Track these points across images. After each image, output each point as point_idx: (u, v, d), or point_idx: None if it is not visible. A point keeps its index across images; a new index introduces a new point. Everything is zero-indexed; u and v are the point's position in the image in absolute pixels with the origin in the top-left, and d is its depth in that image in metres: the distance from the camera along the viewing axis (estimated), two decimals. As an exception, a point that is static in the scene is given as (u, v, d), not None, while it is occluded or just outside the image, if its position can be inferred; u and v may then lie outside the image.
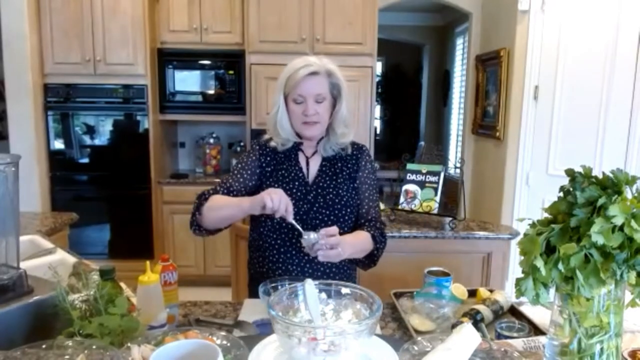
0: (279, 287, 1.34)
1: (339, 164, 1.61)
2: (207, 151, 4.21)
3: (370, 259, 1.59)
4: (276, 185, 1.54)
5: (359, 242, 1.52)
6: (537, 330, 1.26)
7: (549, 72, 3.32)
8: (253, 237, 1.63)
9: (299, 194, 1.54)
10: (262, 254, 1.58)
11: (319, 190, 1.55)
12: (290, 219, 1.36)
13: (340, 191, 1.56)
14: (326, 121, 1.56)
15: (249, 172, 1.57)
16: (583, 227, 0.84)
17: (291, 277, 1.41)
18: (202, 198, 1.52)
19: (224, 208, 1.48)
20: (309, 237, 1.37)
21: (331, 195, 1.55)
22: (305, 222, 1.51)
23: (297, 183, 1.56)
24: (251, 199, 1.40)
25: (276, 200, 1.32)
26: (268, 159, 1.59)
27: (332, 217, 1.54)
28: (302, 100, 1.50)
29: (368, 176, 1.64)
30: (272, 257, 1.55)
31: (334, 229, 1.39)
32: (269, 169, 1.58)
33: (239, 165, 1.59)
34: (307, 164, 1.60)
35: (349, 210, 1.57)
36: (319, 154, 1.61)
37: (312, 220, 1.52)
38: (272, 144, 1.60)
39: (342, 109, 1.56)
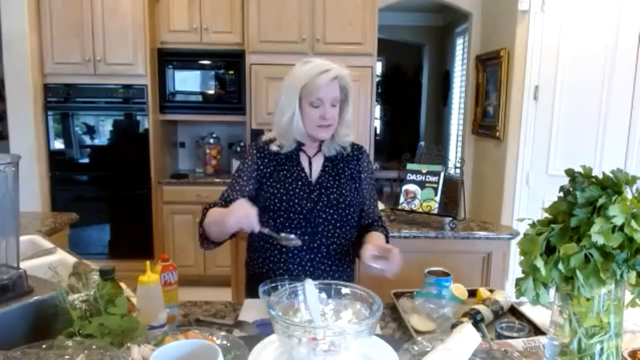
0: (279, 287, 1.35)
1: (341, 164, 1.63)
2: (207, 151, 4.21)
3: None
4: (277, 186, 1.54)
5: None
6: (537, 330, 1.26)
7: (549, 72, 3.32)
8: (253, 237, 1.63)
9: (302, 193, 1.55)
10: (262, 254, 1.59)
11: (322, 190, 1.56)
12: (257, 229, 1.33)
13: (343, 191, 1.58)
14: (337, 123, 1.57)
15: (244, 178, 1.58)
16: (583, 227, 0.84)
17: (291, 277, 1.41)
18: (204, 212, 1.53)
19: (215, 224, 1.45)
20: (285, 237, 1.42)
21: (335, 195, 1.56)
22: (309, 220, 1.53)
23: (300, 183, 1.56)
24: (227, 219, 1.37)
25: (235, 222, 1.33)
26: (266, 160, 1.59)
27: (335, 216, 1.55)
28: (319, 104, 1.50)
29: (369, 176, 1.67)
30: (274, 257, 1.56)
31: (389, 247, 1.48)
32: (268, 170, 1.58)
33: (236, 174, 1.60)
34: (310, 163, 1.61)
35: (352, 209, 1.58)
36: (321, 154, 1.62)
37: (315, 219, 1.53)
38: (273, 147, 1.59)
39: (349, 112, 1.58)
